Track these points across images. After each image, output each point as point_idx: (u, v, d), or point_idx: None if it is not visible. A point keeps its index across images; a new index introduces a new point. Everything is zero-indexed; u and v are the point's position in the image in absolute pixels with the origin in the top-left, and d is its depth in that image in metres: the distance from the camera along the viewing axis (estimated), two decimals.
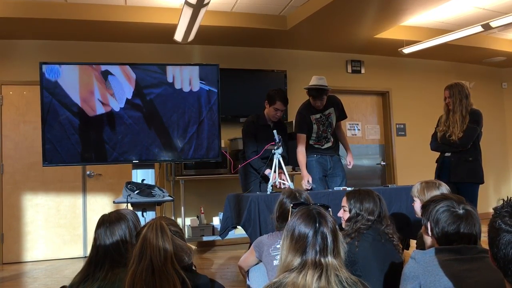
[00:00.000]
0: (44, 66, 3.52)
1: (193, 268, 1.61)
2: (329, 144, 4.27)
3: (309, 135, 4.27)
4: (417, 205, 2.64)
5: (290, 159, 4.49)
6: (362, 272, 2.12)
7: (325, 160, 4.23)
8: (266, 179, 3.92)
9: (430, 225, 1.75)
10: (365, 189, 2.51)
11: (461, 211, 1.70)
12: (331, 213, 1.52)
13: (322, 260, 1.37)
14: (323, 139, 4.27)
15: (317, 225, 1.41)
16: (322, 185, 4.21)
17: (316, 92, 4.10)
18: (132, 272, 1.45)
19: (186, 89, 3.74)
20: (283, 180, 3.75)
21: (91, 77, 3.59)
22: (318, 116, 4.25)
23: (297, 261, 1.39)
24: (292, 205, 1.81)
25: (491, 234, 1.12)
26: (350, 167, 4.40)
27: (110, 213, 1.85)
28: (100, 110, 3.60)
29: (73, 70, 3.58)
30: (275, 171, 3.62)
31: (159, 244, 1.47)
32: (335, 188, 3.97)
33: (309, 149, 4.26)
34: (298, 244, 1.40)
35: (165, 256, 1.46)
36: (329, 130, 4.27)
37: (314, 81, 4.16)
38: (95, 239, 1.77)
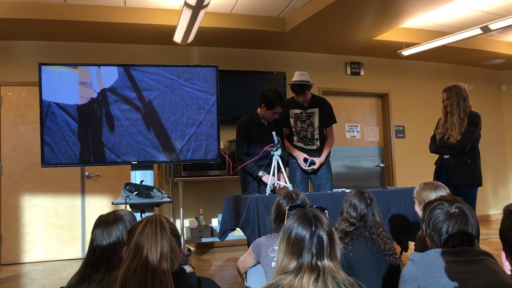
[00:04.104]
0: (43, 67, 3.53)
1: (190, 268, 1.58)
2: (313, 147, 4.25)
3: (290, 132, 4.30)
4: (416, 207, 2.65)
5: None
6: (357, 276, 2.12)
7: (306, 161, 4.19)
8: (263, 181, 3.92)
9: (425, 225, 1.76)
10: (358, 190, 2.52)
11: (453, 210, 1.71)
12: (327, 216, 1.51)
13: (319, 263, 1.37)
14: (305, 139, 4.26)
15: (313, 228, 1.40)
16: (303, 186, 4.21)
17: (299, 87, 4.12)
18: (125, 269, 1.37)
19: (185, 90, 3.75)
20: (281, 181, 3.75)
21: (89, 78, 3.59)
22: (298, 111, 4.27)
23: (293, 264, 1.39)
24: (288, 207, 1.80)
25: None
26: (305, 167, 4.13)
27: (107, 214, 1.83)
28: (98, 111, 3.60)
29: (72, 71, 3.58)
30: (273, 173, 3.61)
31: (157, 241, 1.39)
32: (334, 190, 3.97)
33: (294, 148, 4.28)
34: (295, 247, 1.40)
35: (161, 255, 1.38)
36: (310, 130, 4.24)
37: (296, 76, 4.18)
38: (92, 240, 1.75)
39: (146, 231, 1.41)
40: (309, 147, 4.26)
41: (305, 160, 4.14)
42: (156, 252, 1.38)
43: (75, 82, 3.57)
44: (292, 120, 4.28)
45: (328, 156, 4.29)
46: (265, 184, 3.68)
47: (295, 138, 4.30)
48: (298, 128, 4.27)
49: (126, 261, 1.39)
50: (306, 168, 4.14)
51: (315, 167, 4.15)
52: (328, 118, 4.32)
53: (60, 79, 3.55)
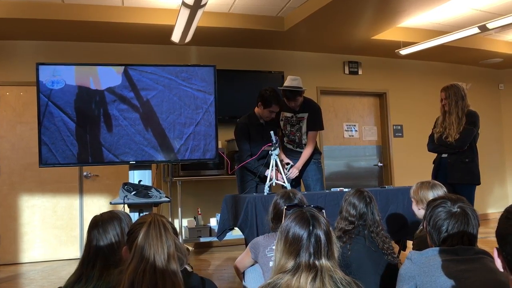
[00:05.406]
0: (40, 67, 3.52)
1: (188, 268, 1.59)
2: (302, 150, 4.22)
3: (281, 132, 4.30)
4: (413, 206, 2.65)
5: None
6: (356, 275, 2.12)
7: (295, 163, 4.14)
8: (263, 180, 3.91)
9: (426, 222, 1.76)
10: (357, 189, 2.52)
11: (455, 209, 1.71)
12: (324, 215, 1.51)
13: (316, 262, 1.37)
14: (293, 143, 4.27)
15: (311, 227, 1.40)
16: (294, 186, 4.19)
17: (290, 93, 4.07)
18: (132, 270, 1.37)
19: (183, 90, 3.74)
20: (280, 180, 3.74)
21: (87, 78, 3.59)
22: (289, 115, 4.25)
23: (290, 263, 1.38)
24: (286, 207, 1.80)
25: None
26: (288, 172, 3.95)
27: (102, 214, 1.85)
28: (96, 111, 3.59)
29: (69, 71, 3.57)
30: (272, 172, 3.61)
31: (163, 242, 1.41)
32: (332, 189, 3.97)
33: (282, 149, 4.25)
34: (292, 246, 1.40)
35: (168, 255, 1.40)
36: (298, 135, 4.23)
37: (288, 82, 4.12)
38: (88, 239, 1.76)
39: (151, 234, 1.42)
40: (298, 149, 4.27)
41: (287, 164, 4.11)
42: (164, 253, 1.40)
43: (73, 82, 3.57)
44: (282, 123, 4.28)
45: (313, 157, 4.23)
46: (264, 183, 3.67)
47: (285, 139, 4.31)
48: (287, 132, 4.27)
49: (132, 262, 1.40)
50: (286, 172, 4.05)
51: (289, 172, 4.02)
52: (314, 123, 4.22)
53: (57, 79, 3.54)
